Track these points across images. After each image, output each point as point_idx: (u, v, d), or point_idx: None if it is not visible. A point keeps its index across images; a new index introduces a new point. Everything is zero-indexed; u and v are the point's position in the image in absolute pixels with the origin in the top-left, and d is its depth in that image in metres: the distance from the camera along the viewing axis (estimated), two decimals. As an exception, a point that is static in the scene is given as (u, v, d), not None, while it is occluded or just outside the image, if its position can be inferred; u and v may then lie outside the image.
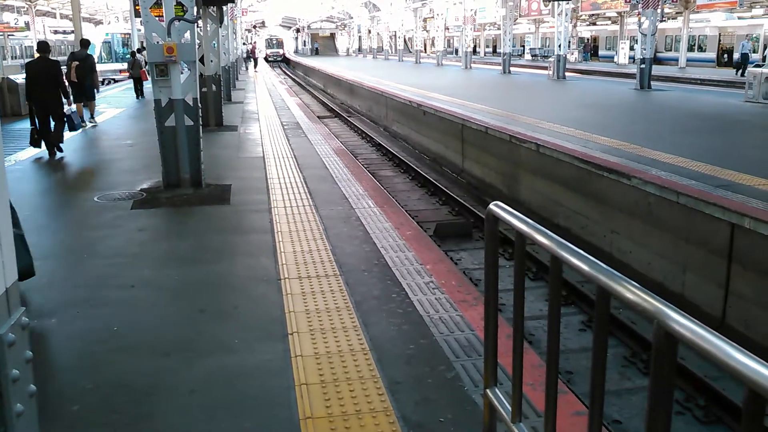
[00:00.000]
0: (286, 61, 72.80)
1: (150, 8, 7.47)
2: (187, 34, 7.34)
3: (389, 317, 3.96)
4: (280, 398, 3.09)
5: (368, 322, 3.87)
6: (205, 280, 4.75)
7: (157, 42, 7.19)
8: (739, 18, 35.30)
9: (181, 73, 7.56)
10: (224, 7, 16.44)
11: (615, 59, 37.18)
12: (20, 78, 16.33)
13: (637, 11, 19.06)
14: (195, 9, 7.24)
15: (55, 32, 41.71)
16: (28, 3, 35.13)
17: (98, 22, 43.76)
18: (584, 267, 1.64)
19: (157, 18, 7.75)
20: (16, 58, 39.78)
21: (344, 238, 5.60)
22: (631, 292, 1.42)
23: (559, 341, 1.86)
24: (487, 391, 2.40)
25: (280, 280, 4.60)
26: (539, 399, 2.86)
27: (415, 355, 3.47)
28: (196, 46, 13.45)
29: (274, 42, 76.86)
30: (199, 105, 7.60)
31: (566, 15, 23.82)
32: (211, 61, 14.02)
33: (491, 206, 2.24)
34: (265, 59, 68.76)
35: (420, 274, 4.67)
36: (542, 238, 1.86)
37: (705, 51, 36.23)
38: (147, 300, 4.43)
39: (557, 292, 1.84)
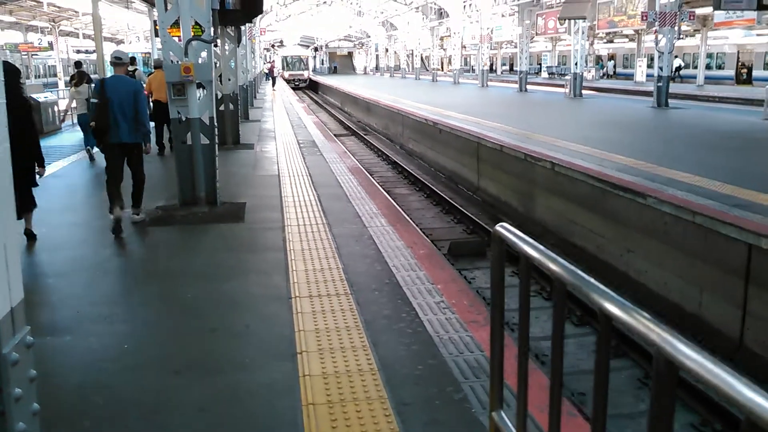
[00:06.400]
0: (312, 86, 59.31)
1: (168, 29, 7.59)
2: (204, 54, 7.44)
3: (399, 337, 3.95)
4: (287, 418, 3.08)
5: (377, 342, 3.86)
6: (217, 298, 4.77)
7: (175, 61, 7.30)
8: (758, 35, 35.07)
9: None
10: (242, 27, 16.67)
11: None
12: (42, 97, 16.70)
13: (653, 29, 18.98)
14: (212, 29, 7.34)
15: (78, 51, 42.55)
16: (52, 24, 35.85)
17: (119, 42, 44.54)
18: (588, 291, 1.62)
19: (175, 38, 7.87)
20: (39, 77, 40.57)
21: (356, 257, 5.61)
22: (633, 317, 1.41)
23: (563, 365, 1.84)
24: (493, 414, 2.38)
25: (291, 298, 4.61)
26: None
27: (424, 376, 3.45)
28: (214, 66, 13.70)
29: (296, 62, 62.15)
30: (215, 124, 7.67)
31: (583, 33, 23.81)
32: (229, 80, 14.17)
33: (497, 227, 2.23)
34: (287, 81, 56.82)
35: (431, 294, 4.66)
36: (547, 261, 1.85)
37: (723, 68, 36.01)
38: (159, 317, 4.46)
39: (561, 316, 1.83)
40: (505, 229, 2.17)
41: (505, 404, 2.58)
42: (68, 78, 36.71)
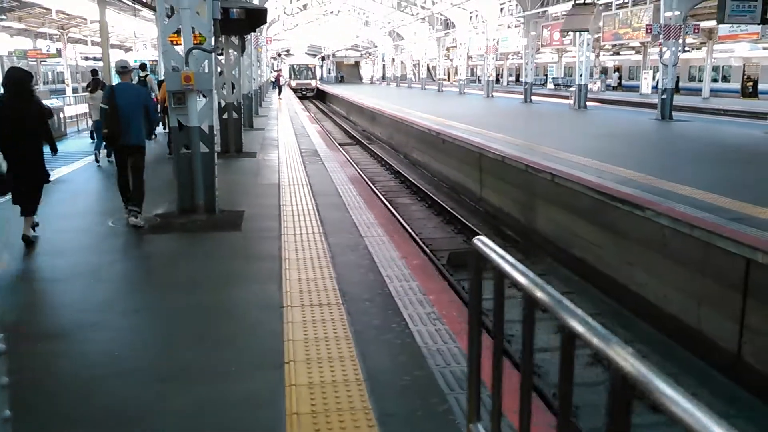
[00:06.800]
0: (320, 95, 57.54)
1: (170, 36, 7.65)
2: (205, 63, 7.48)
3: (387, 348, 3.95)
4: (270, 428, 3.09)
5: (365, 353, 3.86)
6: (209, 306, 4.78)
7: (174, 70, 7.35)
8: (764, 48, 35.03)
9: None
10: (247, 36, 16.77)
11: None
12: (48, 103, 16.85)
13: (658, 42, 19.00)
14: (213, 39, 7.39)
15: (86, 59, 42.87)
16: (61, 31, 36.14)
17: (128, 49, 44.82)
18: (553, 306, 1.63)
19: (177, 47, 7.93)
20: (47, 83, 40.87)
21: (350, 267, 5.62)
22: (593, 334, 1.42)
23: (532, 377, 1.85)
24: (470, 426, 2.38)
25: (283, 307, 4.62)
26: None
27: (409, 387, 3.45)
28: (217, 74, 13.77)
29: (303, 70, 60.56)
30: (215, 133, 7.71)
31: (588, 45, 23.84)
32: (233, 88, 14.25)
33: (475, 240, 2.24)
34: (293, 90, 55.96)
35: (422, 305, 4.66)
36: (518, 274, 1.86)
37: (729, 81, 35.96)
38: (150, 325, 4.49)
39: (531, 329, 1.83)
40: (481, 242, 2.18)
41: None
42: (75, 85, 37.07)
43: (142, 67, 17.21)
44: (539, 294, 1.71)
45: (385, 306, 4.65)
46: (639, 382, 1.25)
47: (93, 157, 12.39)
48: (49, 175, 6.90)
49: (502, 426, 2.51)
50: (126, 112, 7.12)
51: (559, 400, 1.61)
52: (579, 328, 1.47)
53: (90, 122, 15.17)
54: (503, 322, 2.10)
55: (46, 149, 6.93)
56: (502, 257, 2.00)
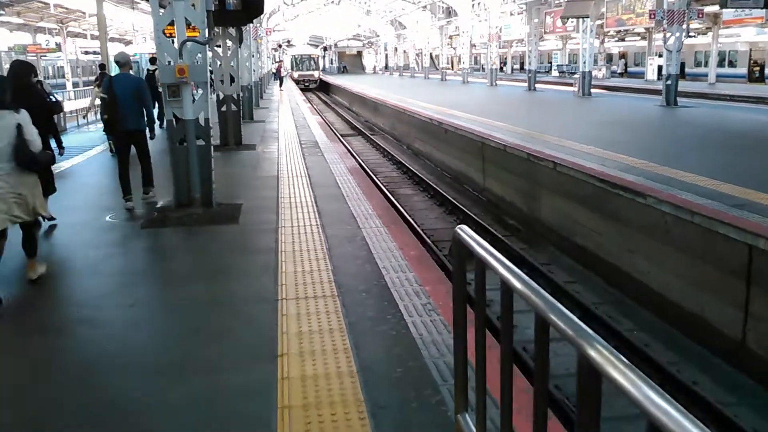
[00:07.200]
0: (323, 87, 57.02)
1: (166, 28, 7.58)
2: (199, 56, 7.42)
3: (381, 339, 3.92)
4: (261, 420, 3.06)
5: (359, 344, 3.83)
6: (204, 299, 4.76)
7: (169, 63, 7.29)
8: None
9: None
10: (246, 27, 16.67)
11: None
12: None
13: (662, 27, 18.79)
14: (206, 31, 7.32)
15: (86, 53, 42.83)
16: (60, 25, 36.09)
17: (128, 43, 44.78)
18: (529, 294, 1.59)
19: (170, 40, 7.86)
20: (48, 78, 40.84)
21: (347, 258, 5.57)
22: (564, 322, 1.38)
23: (512, 366, 1.81)
24: (458, 416, 2.35)
25: (278, 300, 4.58)
26: (521, 423, 2.77)
27: (403, 378, 3.41)
28: (216, 66, 13.66)
29: (306, 60, 59.62)
30: (210, 125, 7.66)
31: (591, 31, 23.63)
32: (231, 80, 14.17)
33: (457, 230, 2.20)
34: (296, 82, 54.90)
35: (418, 296, 4.62)
36: (496, 263, 1.82)
37: (736, 66, 35.65)
38: (145, 319, 4.46)
39: (509, 316, 1.79)
40: (463, 231, 2.14)
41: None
42: (76, 79, 37.04)
43: (152, 60, 17.27)
44: (516, 283, 1.67)
45: (380, 297, 4.62)
46: (606, 372, 1.21)
47: (95, 150, 12.45)
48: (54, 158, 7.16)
49: (492, 414, 2.47)
50: (123, 100, 7.75)
51: (535, 382, 1.57)
52: (552, 317, 1.43)
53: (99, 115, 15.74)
54: (485, 309, 2.06)
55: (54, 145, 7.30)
56: (482, 246, 1.96)
